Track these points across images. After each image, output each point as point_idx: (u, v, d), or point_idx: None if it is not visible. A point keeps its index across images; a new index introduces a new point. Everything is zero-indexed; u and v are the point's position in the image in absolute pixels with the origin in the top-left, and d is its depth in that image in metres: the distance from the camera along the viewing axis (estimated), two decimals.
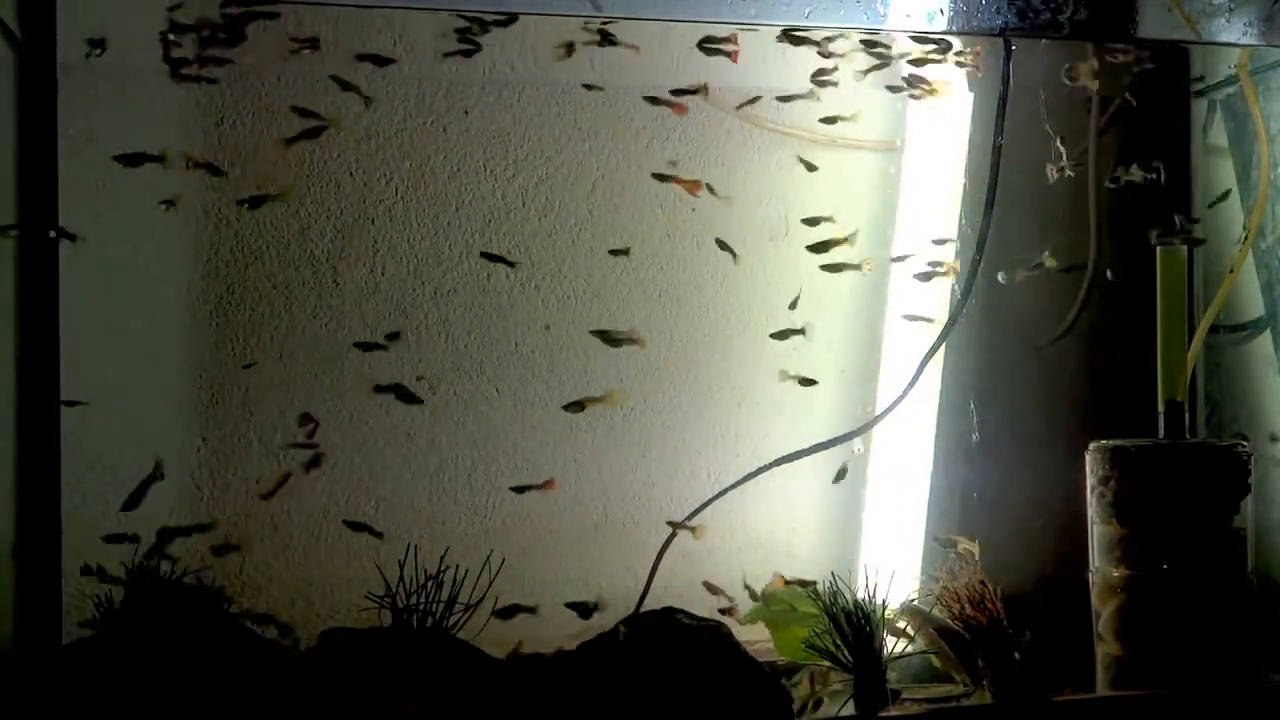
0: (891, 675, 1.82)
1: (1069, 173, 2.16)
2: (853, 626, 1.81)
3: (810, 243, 2.16)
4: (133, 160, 1.92)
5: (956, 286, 2.13)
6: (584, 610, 2.01)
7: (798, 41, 2.04)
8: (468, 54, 2.03)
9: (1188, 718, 1.87)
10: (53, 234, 1.82)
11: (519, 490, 2.05)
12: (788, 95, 2.13)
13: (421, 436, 2.06)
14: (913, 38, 2.07)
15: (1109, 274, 2.18)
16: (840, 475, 2.13)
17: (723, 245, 2.11)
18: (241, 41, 1.95)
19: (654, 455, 2.13)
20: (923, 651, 1.93)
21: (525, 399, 2.09)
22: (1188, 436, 2.01)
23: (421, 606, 1.76)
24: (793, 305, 2.15)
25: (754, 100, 2.12)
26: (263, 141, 2.00)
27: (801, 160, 2.16)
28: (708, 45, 2.05)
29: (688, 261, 2.15)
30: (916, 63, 2.11)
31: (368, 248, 2.05)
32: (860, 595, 1.84)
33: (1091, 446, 1.97)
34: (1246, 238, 2.14)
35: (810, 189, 2.19)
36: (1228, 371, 2.27)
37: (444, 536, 1.99)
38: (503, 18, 2.00)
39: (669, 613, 1.81)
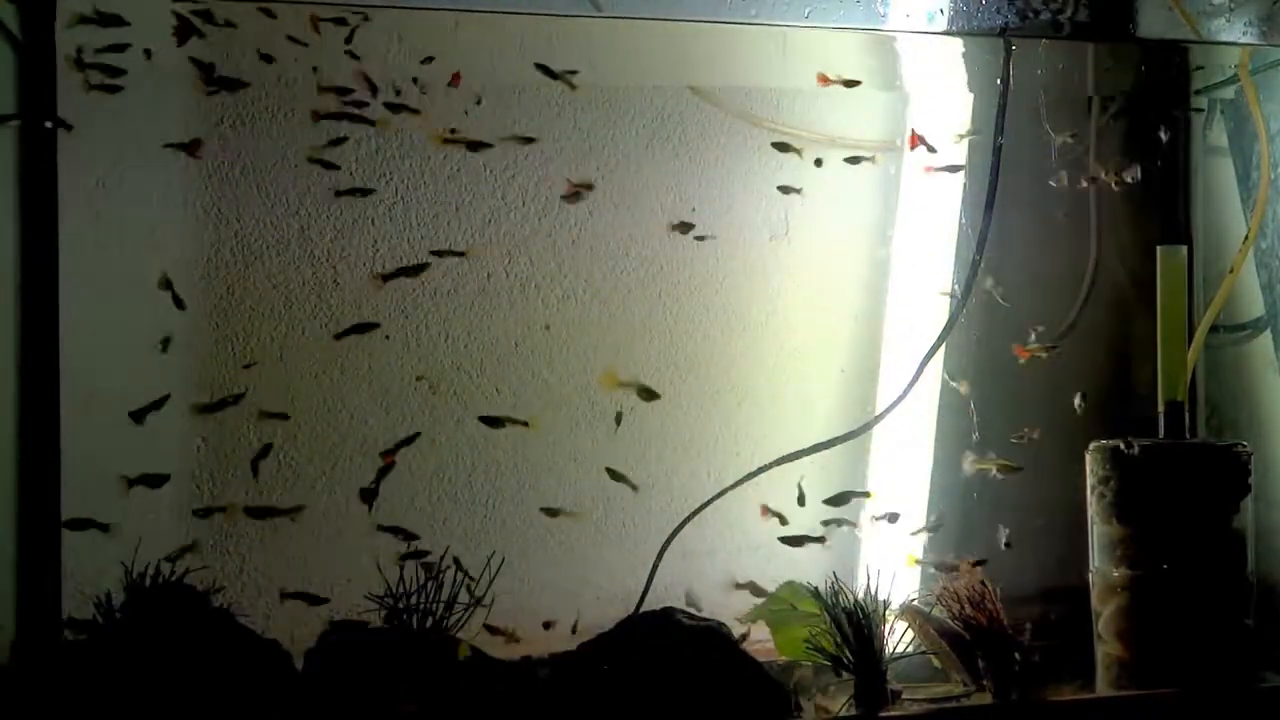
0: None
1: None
2: (853, 626, 1.81)
3: (811, 244, 2.17)
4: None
5: (956, 287, 2.13)
6: None
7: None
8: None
9: (1188, 718, 1.87)
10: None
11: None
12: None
13: (422, 436, 2.05)
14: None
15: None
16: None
17: None
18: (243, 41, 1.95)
19: (654, 455, 2.13)
20: (923, 651, 1.93)
21: (525, 399, 2.09)
22: (1188, 436, 2.01)
23: (421, 606, 1.76)
24: None
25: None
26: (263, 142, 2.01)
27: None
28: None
29: (688, 261, 2.15)
30: None
31: (368, 247, 2.05)
32: (860, 595, 1.84)
33: (1091, 446, 1.97)
34: (1246, 238, 2.14)
35: (810, 189, 2.19)
36: (1228, 372, 2.27)
37: (444, 536, 1.99)
38: None
39: (669, 613, 1.81)
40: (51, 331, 1.84)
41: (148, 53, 1.86)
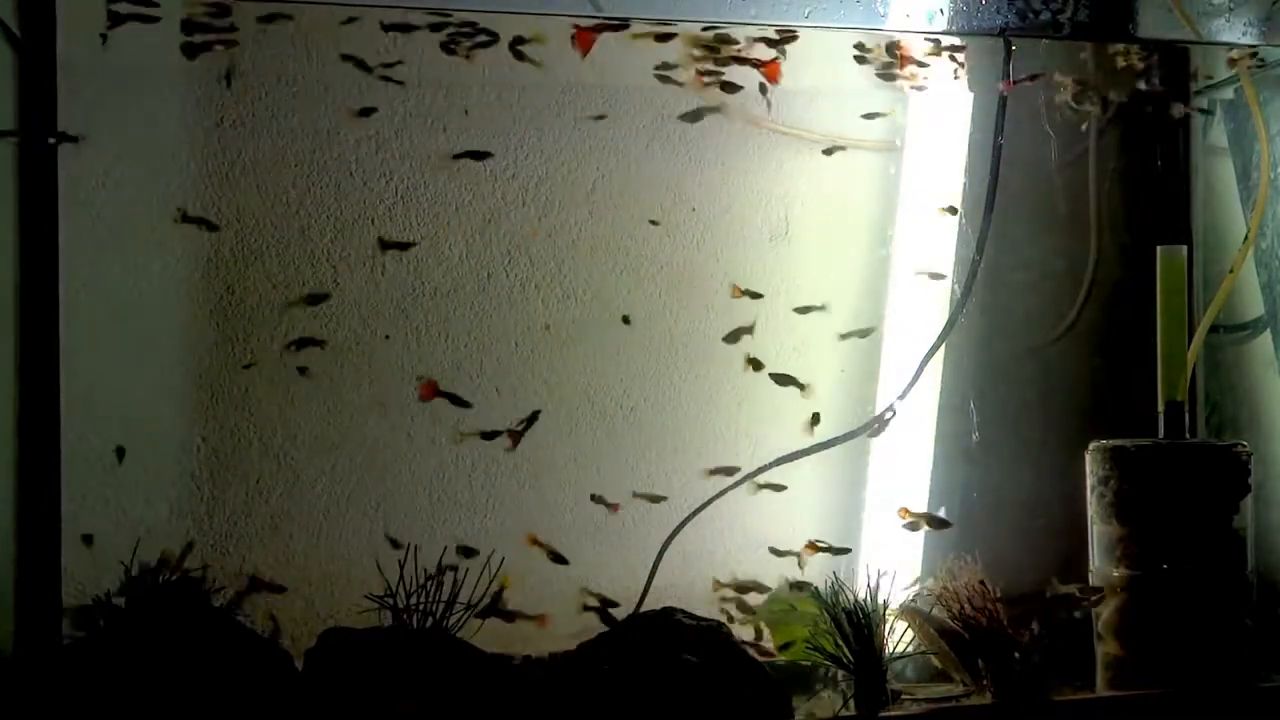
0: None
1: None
2: (853, 626, 1.81)
3: (811, 244, 2.17)
4: None
5: (956, 286, 2.13)
6: None
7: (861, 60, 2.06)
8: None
9: (1188, 718, 1.87)
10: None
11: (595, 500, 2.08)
12: None
13: (421, 436, 2.06)
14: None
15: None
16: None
17: None
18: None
19: (654, 455, 2.13)
20: (923, 651, 1.93)
21: (525, 399, 2.09)
22: (1188, 436, 2.01)
23: (421, 606, 1.76)
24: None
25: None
26: (262, 143, 2.01)
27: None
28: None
29: (688, 261, 2.15)
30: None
31: (368, 248, 2.05)
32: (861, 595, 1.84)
33: (1091, 446, 1.97)
34: (1246, 238, 2.14)
35: (810, 189, 2.19)
36: (1228, 371, 2.27)
37: (444, 536, 1.99)
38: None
39: (669, 613, 1.81)
40: (51, 331, 1.84)
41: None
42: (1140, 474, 1.92)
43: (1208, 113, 2.24)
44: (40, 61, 1.84)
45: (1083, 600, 1.94)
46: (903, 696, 1.85)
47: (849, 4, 1.90)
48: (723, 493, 2.08)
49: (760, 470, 2.09)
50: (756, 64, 2.03)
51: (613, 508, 2.07)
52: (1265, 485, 2.09)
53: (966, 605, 1.88)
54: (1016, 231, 2.18)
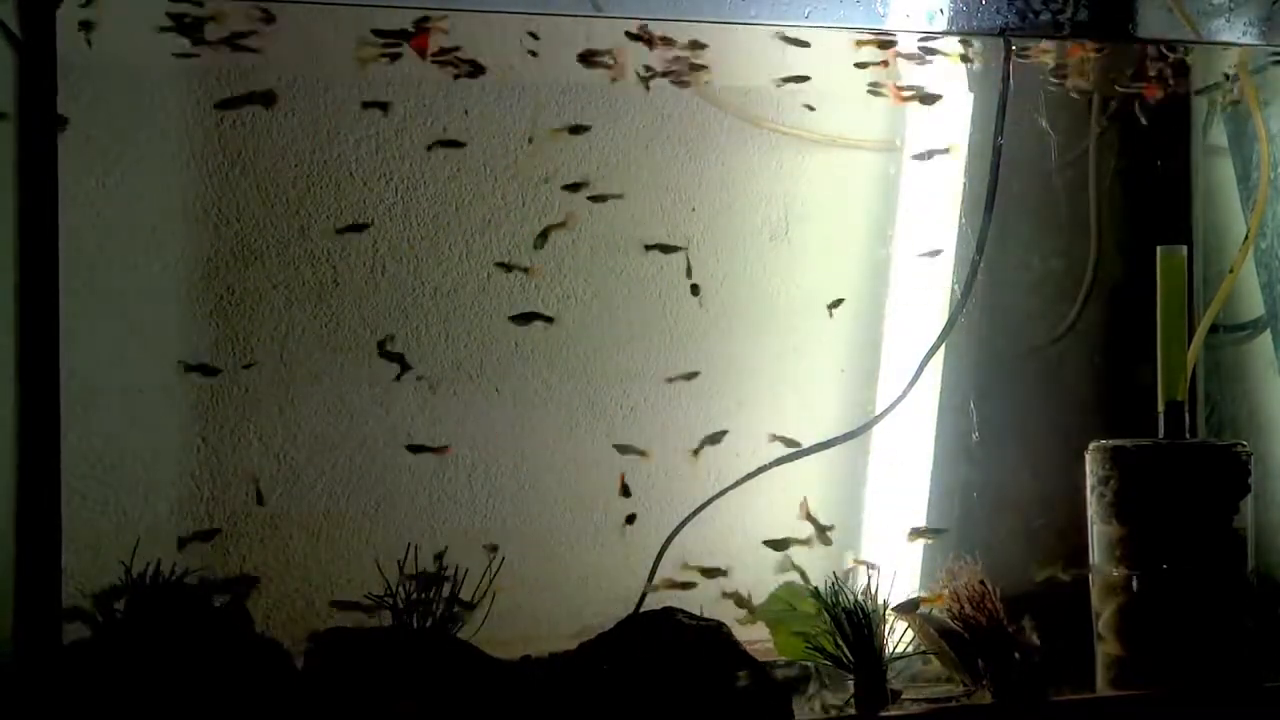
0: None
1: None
2: (853, 626, 1.81)
3: (811, 244, 2.17)
4: None
5: (956, 286, 2.13)
6: None
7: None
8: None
9: (1188, 718, 1.87)
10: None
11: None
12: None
13: (421, 436, 2.06)
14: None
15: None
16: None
17: None
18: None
19: (654, 455, 2.13)
20: (923, 651, 1.93)
21: (525, 399, 2.09)
22: (1188, 436, 2.01)
23: (421, 606, 1.76)
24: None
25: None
26: (263, 142, 2.01)
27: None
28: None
29: (687, 261, 2.15)
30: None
31: (368, 248, 2.05)
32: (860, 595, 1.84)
33: (1091, 446, 1.97)
34: (1246, 238, 2.14)
35: (810, 189, 2.19)
36: (1228, 371, 2.27)
37: (444, 536, 1.99)
38: None
39: (669, 613, 1.81)
40: (52, 331, 1.84)
41: None
42: (1140, 474, 1.92)
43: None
44: (40, 62, 1.84)
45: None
46: (903, 696, 1.85)
47: (849, 4, 1.90)
48: (722, 493, 2.08)
49: (759, 470, 2.09)
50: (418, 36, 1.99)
51: (440, 451, 2.05)
52: (1265, 485, 2.09)
53: (966, 605, 1.88)
54: (1017, 231, 2.18)
